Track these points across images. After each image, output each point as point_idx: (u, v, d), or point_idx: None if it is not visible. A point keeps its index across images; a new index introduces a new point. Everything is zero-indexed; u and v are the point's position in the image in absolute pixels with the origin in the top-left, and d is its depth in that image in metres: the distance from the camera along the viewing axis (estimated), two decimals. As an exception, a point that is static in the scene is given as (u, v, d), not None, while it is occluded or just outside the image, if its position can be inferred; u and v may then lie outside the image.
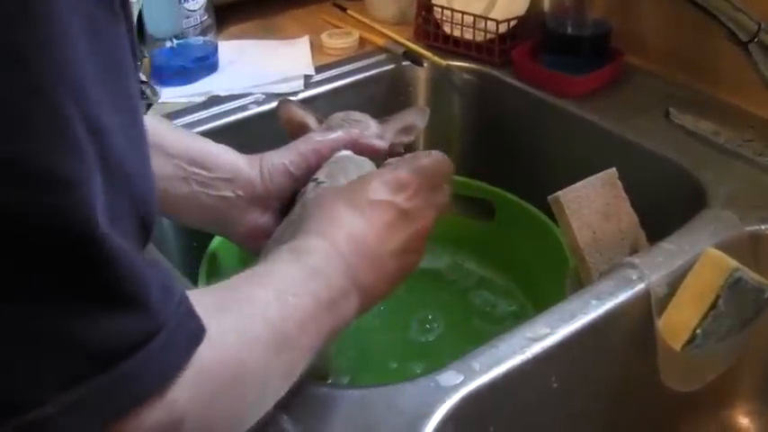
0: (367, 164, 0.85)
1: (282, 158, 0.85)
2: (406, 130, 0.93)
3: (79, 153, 0.40)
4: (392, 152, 0.90)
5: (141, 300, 0.44)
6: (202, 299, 0.50)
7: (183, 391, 0.46)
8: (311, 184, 0.81)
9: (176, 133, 0.85)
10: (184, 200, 0.81)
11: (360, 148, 0.86)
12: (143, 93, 1.09)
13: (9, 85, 0.38)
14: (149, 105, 1.11)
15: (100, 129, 0.41)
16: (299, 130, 0.90)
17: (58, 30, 0.39)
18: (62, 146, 0.39)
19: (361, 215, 0.69)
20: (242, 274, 0.60)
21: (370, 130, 0.89)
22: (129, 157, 0.44)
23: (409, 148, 0.93)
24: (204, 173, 0.82)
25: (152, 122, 0.76)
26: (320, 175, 0.82)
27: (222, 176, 0.83)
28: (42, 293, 0.40)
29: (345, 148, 0.85)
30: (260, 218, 0.85)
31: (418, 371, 0.96)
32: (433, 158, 0.76)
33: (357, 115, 0.92)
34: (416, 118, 0.92)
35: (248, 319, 0.55)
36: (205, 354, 0.48)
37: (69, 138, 0.39)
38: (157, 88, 1.14)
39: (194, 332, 0.48)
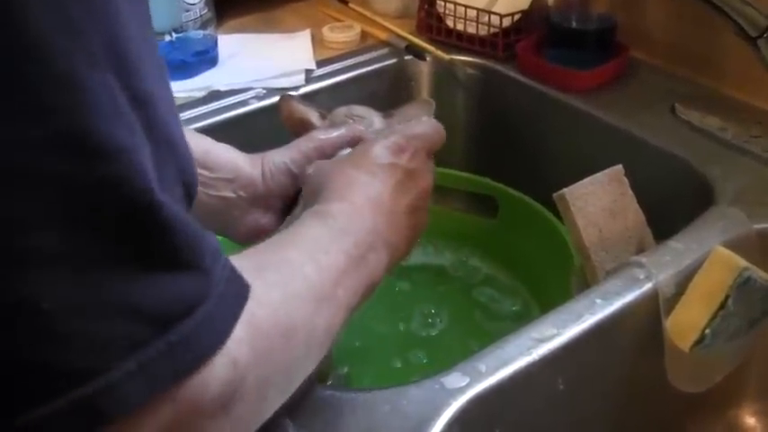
0: None
1: (284, 157, 0.83)
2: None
3: (129, 123, 0.41)
4: None
5: (197, 264, 0.45)
6: (242, 262, 0.51)
7: (242, 348, 0.48)
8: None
9: None
10: None
11: None
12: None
13: (71, 60, 0.39)
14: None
15: (146, 100, 0.43)
16: (301, 126, 0.88)
17: (108, 2, 0.41)
18: (115, 116, 0.40)
19: (374, 177, 0.70)
20: (270, 239, 0.62)
21: (374, 125, 0.88)
22: (172, 125, 0.45)
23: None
24: (205, 173, 0.81)
25: None
26: None
27: (223, 176, 0.82)
28: (105, 261, 0.41)
29: (349, 145, 0.84)
30: (262, 218, 0.83)
31: (423, 361, 0.97)
32: (425, 125, 0.78)
33: (360, 110, 0.90)
34: (421, 111, 0.91)
35: (288, 278, 0.56)
36: (255, 311, 0.49)
37: (120, 108, 0.41)
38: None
39: (241, 291, 0.49)
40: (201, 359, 0.45)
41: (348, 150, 0.83)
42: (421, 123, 0.78)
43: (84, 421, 0.41)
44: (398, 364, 0.97)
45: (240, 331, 0.47)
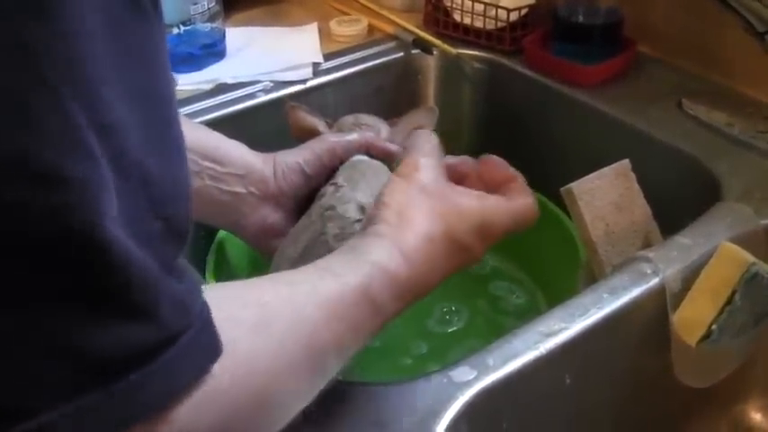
0: (383, 170, 0.84)
1: (296, 157, 0.84)
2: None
3: (84, 150, 0.38)
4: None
5: (150, 309, 0.41)
6: (240, 313, 0.49)
7: (191, 412, 0.44)
8: (330, 188, 0.80)
9: (190, 127, 0.83)
10: (195, 194, 0.79)
11: (375, 151, 0.86)
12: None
13: (16, 79, 0.36)
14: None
15: (112, 126, 0.39)
16: (309, 135, 0.89)
17: (73, 25, 0.37)
18: (65, 143, 0.37)
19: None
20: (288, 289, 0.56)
21: (381, 134, 0.88)
22: (151, 156, 0.42)
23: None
24: (217, 167, 0.81)
25: None
26: (339, 179, 0.81)
27: (235, 172, 0.82)
28: (45, 297, 0.38)
29: (359, 150, 0.84)
30: (271, 215, 0.84)
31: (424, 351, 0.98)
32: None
33: (367, 119, 0.91)
34: (425, 119, 0.91)
35: (286, 342, 0.52)
36: (224, 374, 0.45)
37: (73, 135, 0.37)
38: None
39: (209, 348, 0.45)
40: (141, 415, 0.41)
41: (363, 156, 0.84)
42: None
43: None
44: (409, 360, 0.98)
45: (200, 392, 0.44)
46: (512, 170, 0.75)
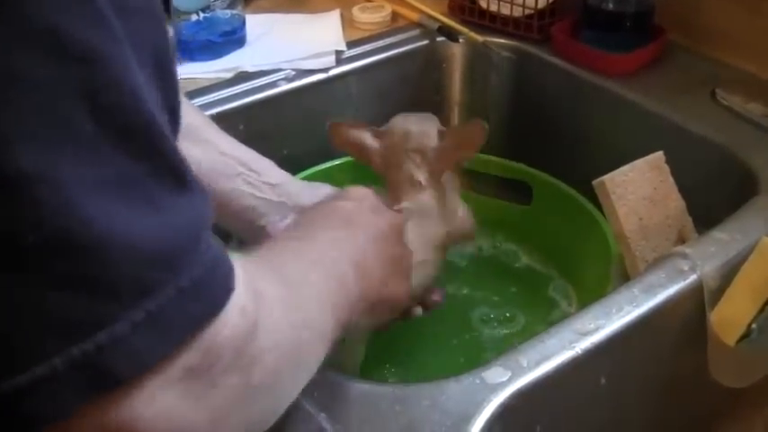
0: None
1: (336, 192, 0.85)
2: (466, 145, 0.90)
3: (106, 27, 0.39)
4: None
5: (194, 186, 0.43)
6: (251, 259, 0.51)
7: (248, 297, 0.45)
8: None
9: (227, 137, 0.87)
10: (224, 196, 0.83)
11: None
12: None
13: None
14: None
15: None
16: (359, 150, 0.91)
17: None
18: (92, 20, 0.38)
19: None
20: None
21: (429, 145, 0.87)
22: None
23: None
24: (253, 175, 0.85)
25: (204, 124, 0.84)
26: None
27: (269, 181, 0.86)
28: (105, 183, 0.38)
29: None
30: None
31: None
32: None
33: (416, 123, 0.90)
34: (477, 136, 0.89)
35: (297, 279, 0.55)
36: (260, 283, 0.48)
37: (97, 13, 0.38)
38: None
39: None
40: (215, 305, 0.42)
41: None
42: None
43: (85, 383, 0.37)
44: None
45: (242, 286, 0.45)
46: None
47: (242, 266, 0.46)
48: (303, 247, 0.62)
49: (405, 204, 0.85)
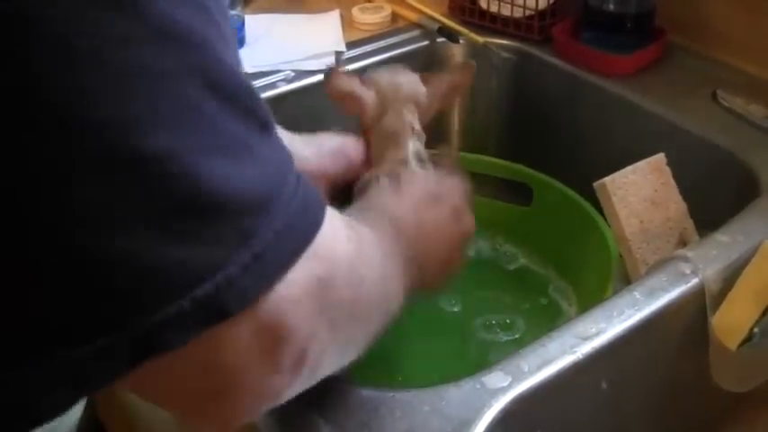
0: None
1: (338, 140, 0.85)
2: (452, 89, 0.90)
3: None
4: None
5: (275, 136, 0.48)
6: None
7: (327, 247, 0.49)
8: (372, 181, 0.77)
9: None
10: None
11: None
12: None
13: None
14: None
15: None
16: (352, 99, 0.86)
17: None
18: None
19: None
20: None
21: (418, 98, 0.85)
22: None
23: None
24: None
25: None
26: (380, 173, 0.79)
27: None
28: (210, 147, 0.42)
29: None
30: None
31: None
32: None
33: (403, 77, 0.87)
34: (461, 76, 0.88)
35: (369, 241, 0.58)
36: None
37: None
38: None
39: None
40: (301, 248, 0.46)
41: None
42: None
43: (203, 318, 0.42)
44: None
45: (342, 221, 0.52)
46: None
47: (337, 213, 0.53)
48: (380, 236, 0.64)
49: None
